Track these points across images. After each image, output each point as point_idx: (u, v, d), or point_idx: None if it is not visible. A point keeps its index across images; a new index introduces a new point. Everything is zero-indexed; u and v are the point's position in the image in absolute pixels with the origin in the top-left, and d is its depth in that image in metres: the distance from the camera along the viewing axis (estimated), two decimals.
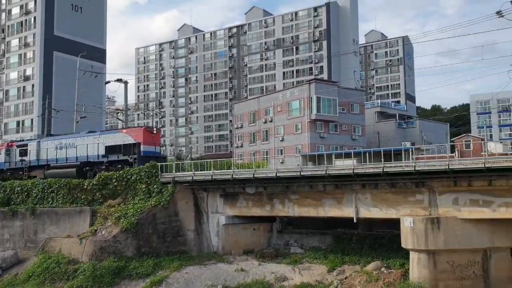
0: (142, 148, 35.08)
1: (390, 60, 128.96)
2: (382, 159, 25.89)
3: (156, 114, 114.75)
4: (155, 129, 37.73)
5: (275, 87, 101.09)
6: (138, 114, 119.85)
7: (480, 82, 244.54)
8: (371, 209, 26.78)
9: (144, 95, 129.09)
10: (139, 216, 30.60)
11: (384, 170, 24.87)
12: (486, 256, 23.68)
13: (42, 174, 39.29)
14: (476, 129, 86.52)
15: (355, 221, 27.41)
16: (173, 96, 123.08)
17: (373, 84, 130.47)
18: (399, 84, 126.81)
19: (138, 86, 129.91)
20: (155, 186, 32.41)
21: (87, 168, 37.04)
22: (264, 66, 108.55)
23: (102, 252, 29.70)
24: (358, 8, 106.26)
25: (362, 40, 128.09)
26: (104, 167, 36.23)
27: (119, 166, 35.31)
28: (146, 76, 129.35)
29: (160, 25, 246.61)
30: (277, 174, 28.50)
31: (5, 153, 43.42)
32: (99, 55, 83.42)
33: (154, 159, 34.48)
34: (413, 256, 24.19)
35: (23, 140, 47.61)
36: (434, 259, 23.45)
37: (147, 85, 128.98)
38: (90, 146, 37.52)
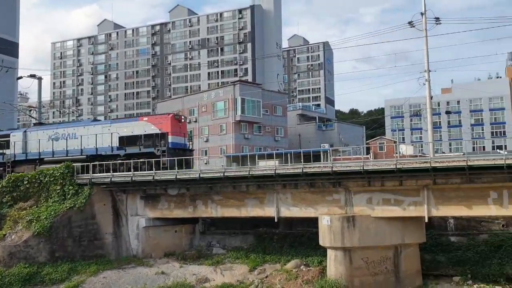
0: (170, 139, 31.09)
1: (312, 65, 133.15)
2: (302, 160, 26.60)
3: (72, 112, 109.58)
4: (183, 117, 33.70)
5: (199, 87, 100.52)
6: (54, 112, 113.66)
7: (395, 87, 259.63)
8: (291, 209, 27.43)
9: (60, 92, 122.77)
10: (53, 219, 29.04)
11: (304, 170, 25.56)
12: (397, 252, 25.10)
13: (32, 170, 33.83)
14: (390, 132, 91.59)
15: (276, 220, 27.93)
16: (92, 94, 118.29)
17: (296, 88, 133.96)
18: (319, 88, 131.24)
19: (54, 83, 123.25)
20: (70, 188, 30.87)
21: (95, 161, 31.66)
22: (188, 66, 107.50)
23: (11, 258, 27.86)
24: (282, 13, 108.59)
25: (285, 44, 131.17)
26: (119, 160, 31.69)
27: (141, 159, 30.46)
28: (62, 72, 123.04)
29: (79, 20, 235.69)
30: (201, 175, 28.31)
31: None
32: (11, 48, 77.74)
33: (182, 152, 31.64)
34: (330, 253, 25.08)
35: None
36: (350, 256, 24.46)
37: (64, 82, 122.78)
38: (100, 137, 32.74)
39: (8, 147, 35.95)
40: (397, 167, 23.44)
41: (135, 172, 30.16)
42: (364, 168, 24.18)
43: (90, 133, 33.33)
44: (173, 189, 30.35)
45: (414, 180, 24.17)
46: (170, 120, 31.49)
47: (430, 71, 32.86)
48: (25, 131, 36.56)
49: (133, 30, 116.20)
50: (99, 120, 36.17)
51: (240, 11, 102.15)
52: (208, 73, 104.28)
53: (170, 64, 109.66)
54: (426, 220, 24.21)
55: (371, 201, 25.25)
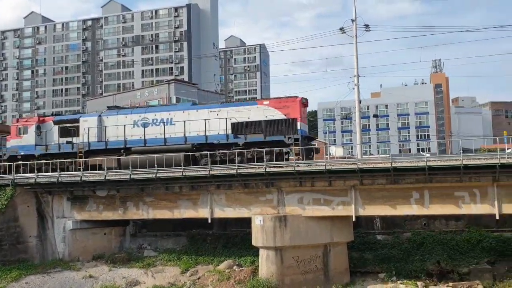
0: (299, 126, 27.15)
1: (248, 66, 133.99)
2: (237, 161, 26.67)
3: None
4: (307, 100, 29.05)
5: (133, 85, 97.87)
6: None
7: (328, 90, 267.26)
8: (225, 209, 27.45)
9: None
10: None
11: (238, 171, 25.67)
12: (326, 251, 25.82)
13: (113, 162, 28.76)
14: (323, 134, 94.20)
15: (209, 221, 27.83)
16: (17, 90, 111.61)
17: (232, 89, 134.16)
18: (256, 89, 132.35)
19: None
20: None
21: (201, 152, 27.58)
22: (121, 63, 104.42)
23: None
24: (219, 13, 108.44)
25: (222, 45, 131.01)
26: (234, 149, 27.08)
27: (265, 148, 26.16)
28: None
29: (4, 11, 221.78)
30: (131, 176, 27.59)
31: (36, 131, 31.61)
32: None
33: (308, 140, 28.33)
34: (262, 253, 25.37)
35: (61, 115, 36.28)
36: (281, 255, 24.87)
37: None
38: (208, 123, 28.15)
39: (77, 134, 30.72)
40: (327, 168, 24.16)
41: (62, 173, 28.88)
42: (296, 169, 24.69)
43: (193, 118, 28.47)
44: (102, 190, 29.36)
45: (342, 181, 25.01)
46: (299, 105, 27.56)
47: (359, 76, 34.21)
48: (99, 115, 31.06)
49: (63, 24, 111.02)
50: (196, 105, 31.21)
51: (176, 9, 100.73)
52: (142, 70, 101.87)
53: (102, 60, 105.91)
54: (354, 219, 25.14)
55: (302, 201, 25.83)
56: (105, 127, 30.20)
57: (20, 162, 29.51)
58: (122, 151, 29.44)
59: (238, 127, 27.85)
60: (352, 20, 34.53)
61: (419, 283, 24.55)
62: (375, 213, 26.40)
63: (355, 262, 27.21)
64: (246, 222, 27.43)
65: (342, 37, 35.97)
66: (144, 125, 29.28)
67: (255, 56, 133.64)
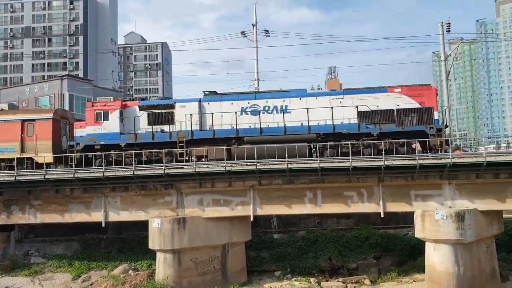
0: (435, 115, 25.38)
1: (150, 64, 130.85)
2: (133, 162, 25.86)
3: None
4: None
5: (22, 80, 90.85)
6: None
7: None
8: (121, 212, 26.47)
9: None
10: None
11: (136, 173, 24.88)
12: (224, 251, 25.98)
13: (222, 153, 25.68)
14: None
15: (103, 225, 26.64)
16: None
17: (132, 86, 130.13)
18: (157, 88, 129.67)
19: None
20: None
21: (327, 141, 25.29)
22: (9, 55, 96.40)
23: None
24: (118, 8, 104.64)
25: (121, 41, 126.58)
26: (364, 141, 25.34)
27: (400, 139, 24.68)
28: None
29: None
30: (17, 178, 25.50)
31: (119, 117, 27.12)
32: None
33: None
34: (159, 256, 24.85)
35: (146, 99, 29.68)
36: (179, 258, 24.55)
37: None
38: (332, 111, 25.81)
39: (171, 122, 27.15)
40: (227, 169, 24.35)
41: None
42: (196, 170, 24.56)
43: (314, 106, 26.17)
44: None
45: (241, 182, 25.36)
46: (435, 93, 26.27)
47: (259, 80, 35.03)
48: (199, 101, 27.52)
49: None
50: (314, 91, 28.08)
51: (71, 1, 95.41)
52: (33, 64, 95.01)
53: None
54: (252, 219, 25.64)
55: (202, 202, 25.75)
56: (208, 114, 27.02)
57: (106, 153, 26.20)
58: (233, 141, 26.62)
59: (367, 116, 25.97)
60: (253, 25, 35.30)
61: (312, 279, 25.66)
62: (272, 212, 27.10)
63: (252, 261, 27.76)
64: (143, 225, 26.63)
65: (244, 40, 36.72)
66: (254, 113, 26.72)
67: (156, 54, 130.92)
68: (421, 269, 24.73)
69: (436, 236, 22.72)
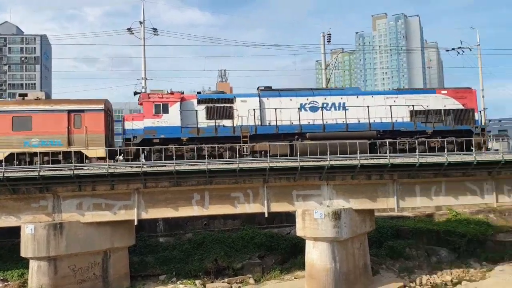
0: (476, 116, 27.90)
1: (26, 58, 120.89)
2: (3, 164, 23.60)
3: None
4: None
5: None
6: None
7: (118, 90, 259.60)
8: None
9: None
10: None
11: (5, 175, 22.63)
12: (106, 257, 24.80)
13: (285, 149, 25.81)
14: None
15: None
16: None
17: (5, 81, 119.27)
18: (35, 83, 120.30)
19: None
20: None
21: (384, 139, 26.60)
22: None
23: None
24: None
25: None
26: (418, 138, 26.85)
27: (449, 137, 26.58)
28: None
29: None
30: None
31: (180, 110, 26.02)
32: None
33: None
34: (32, 264, 23.00)
35: (200, 93, 27.80)
36: (55, 265, 22.98)
37: None
38: (388, 109, 27.14)
39: (230, 117, 26.35)
40: (109, 171, 23.29)
41: None
42: (75, 172, 23.13)
43: (371, 104, 27.31)
44: None
45: (125, 184, 24.44)
46: (475, 96, 28.97)
47: (147, 79, 34.15)
48: (258, 96, 27.23)
49: None
50: (362, 91, 29.60)
51: None
52: None
53: None
54: (136, 223, 24.83)
55: (81, 206, 24.32)
56: (267, 109, 27.03)
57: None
58: (296, 136, 26.58)
59: (420, 115, 27.70)
60: (141, 22, 34.34)
61: (197, 282, 25.64)
62: (158, 215, 26.45)
63: (136, 266, 26.94)
64: (15, 232, 24.41)
65: (131, 37, 35.50)
66: (314, 109, 27.17)
67: (34, 47, 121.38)
68: (302, 266, 25.96)
69: (316, 234, 24.00)
